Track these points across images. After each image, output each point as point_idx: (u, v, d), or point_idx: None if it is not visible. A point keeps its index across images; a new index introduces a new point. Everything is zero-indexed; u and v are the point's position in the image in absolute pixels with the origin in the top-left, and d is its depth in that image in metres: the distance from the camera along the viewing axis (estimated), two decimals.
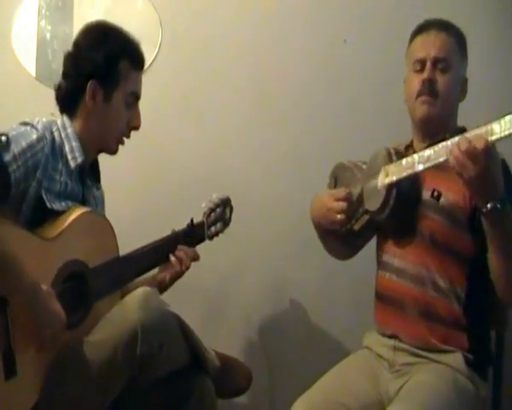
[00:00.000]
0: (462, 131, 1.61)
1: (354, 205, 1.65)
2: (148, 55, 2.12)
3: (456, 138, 1.33)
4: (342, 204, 1.64)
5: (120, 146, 1.67)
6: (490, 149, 1.28)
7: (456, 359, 1.51)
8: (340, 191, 1.69)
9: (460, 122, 1.66)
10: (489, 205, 1.34)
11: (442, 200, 1.54)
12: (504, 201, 1.34)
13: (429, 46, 1.60)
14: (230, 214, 1.95)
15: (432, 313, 1.54)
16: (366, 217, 1.64)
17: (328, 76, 2.29)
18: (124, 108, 1.62)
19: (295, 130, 2.29)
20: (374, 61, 2.23)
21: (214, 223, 1.88)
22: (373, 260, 1.75)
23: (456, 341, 1.53)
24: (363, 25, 2.28)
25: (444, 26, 1.63)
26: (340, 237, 1.73)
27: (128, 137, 1.67)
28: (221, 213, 1.91)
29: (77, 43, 1.63)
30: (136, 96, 1.65)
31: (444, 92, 1.59)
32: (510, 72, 2.22)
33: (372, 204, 1.58)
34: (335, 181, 1.76)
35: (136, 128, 1.66)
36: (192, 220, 1.81)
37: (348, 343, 2.17)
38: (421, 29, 1.65)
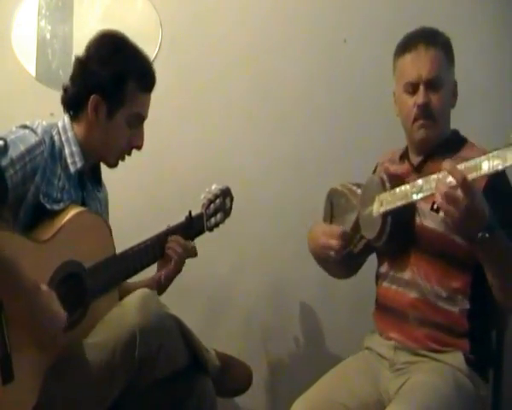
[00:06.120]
0: (455, 136, 1.62)
1: (349, 238, 1.65)
2: (148, 55, 2.12)
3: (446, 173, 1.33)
4: (336, 243, 1.63)
5: (121, 161, 1.65)
6: (468, 186, 1.28)
7: (457, 358, 1.51)
8: (335, 229, 1.68)
9: (458, 124, 1.66)
10: (479, 235, 1.35)
11: (442, 212, 1.53)
12: (492, 227, 1.35)
13: (420, 67, 1.58)
14: (231, 204, 1.92)
15: (433, 322, 1.54)
16: (364, 241, 1.65)
17: (328, 76, 2.29)
18: (126, 128, 1.59)
19: (295, 130, 2.29)
20: (373, 61, 2.23)
21: (214, 214, 1.86)
22: (373, 260, 1.75)
23: (457, 345, 1.53)
24: (363, 25, 2.28)
25: (431, 40, 1.61)
26: (340, 261, 1.72)
27: (129, 154, 1.64)
28: (221, 203, 1.88)
29: (88, 52, 1.59)
30: (140, 117, 1.62)
31: (439, 112, 1.59)
32: (509, 72, 2.22)
33: (369, 232, 1.60)
34: (331, 206, 1.77)
35: (138, 148, 1.63)
36: (190, 213, 1.80)
37: (348, 343, 2.15)
38: (409, 46, 1.62)
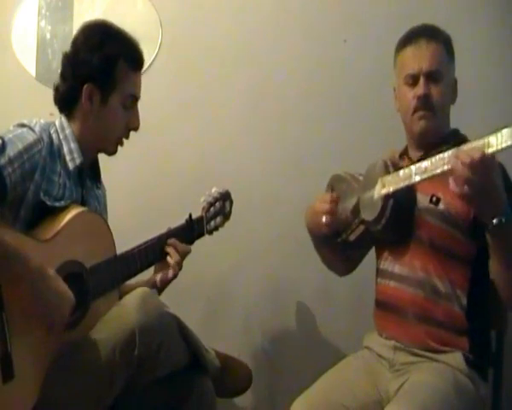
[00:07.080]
0: (456, 134, 1.63)
1: (342, 209, 1.66)
2: (148, 55, 2.13)
3: (454, 150, 1.32)
4: (326, 205, 1.65)
5: (120, 146, 1.66)
6: (490, 159, 1.27)
7: (456, 358, 1.51)
8: (326, 194, 1.71)
9: (459, 124, 1.66)
10: (495, 221, 1.33)
11: (441, 205, 1.54)
12: (508, 213, 1.34)
13: (421, 59, 1.60)
14: (230, 208, 1.94)
15: (432, 317, 1.54)
16: (362, 227, 1.65)
17: (328, 76, 2.29)
18: (121, 111, 1.61)
19: (295, 130, 2.29)
20: (374, 61, 2.23)
21: (213, 217, 1.86)
22: (373, 259, 1.75)
23: (456, 344, 1.53)
24: (363, 25, 2.28)
25: (432, 35, 1.63)
26: (336, 248, 1.73)
27: (127, 138, 1.66)
28: (221, 207, 1.89)
29: (74, 45, 1.61)
30: (134, 98, 1.64)
31: (439, 104, 1.61)
32: (510, 71, 2.22)
33: (368, 214, 1.59)
34: (332, 191, 1.77)
35: (135, 129, 1.65)
36: (190, 216, 1.80)
37: (348, 343, 2.17)
38: (410, 39, 1.64)
